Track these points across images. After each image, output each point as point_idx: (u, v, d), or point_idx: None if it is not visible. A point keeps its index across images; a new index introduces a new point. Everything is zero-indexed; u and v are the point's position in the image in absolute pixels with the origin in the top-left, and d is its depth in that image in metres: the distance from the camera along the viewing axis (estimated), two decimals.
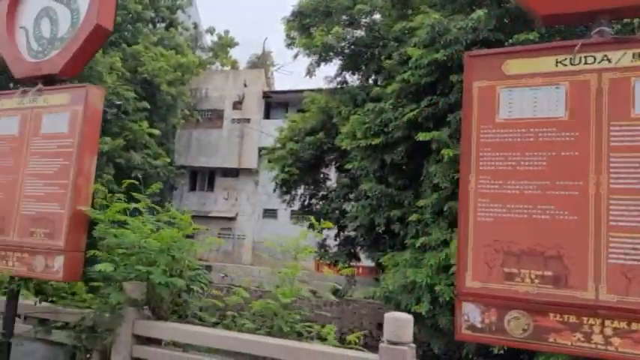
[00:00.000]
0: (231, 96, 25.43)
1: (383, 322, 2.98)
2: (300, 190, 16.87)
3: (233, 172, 25.86)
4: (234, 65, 28.74)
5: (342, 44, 14.15)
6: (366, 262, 17.82)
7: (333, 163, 17.31)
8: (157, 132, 18.33)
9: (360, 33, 15.96)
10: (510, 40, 11.53)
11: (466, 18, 11.27)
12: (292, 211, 21.82)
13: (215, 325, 4.14)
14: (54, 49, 4.23)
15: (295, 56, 16.22)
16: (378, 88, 13.77)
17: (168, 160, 19.29)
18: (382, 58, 14.70)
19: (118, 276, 3.74)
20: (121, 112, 16.61)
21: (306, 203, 16.93)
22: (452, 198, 11.62)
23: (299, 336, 3.78)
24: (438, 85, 12.85)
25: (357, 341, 3.40)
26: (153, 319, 3.87)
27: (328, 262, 17.30)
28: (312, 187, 16.98)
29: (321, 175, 17.12)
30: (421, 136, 11.97)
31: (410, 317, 2.93)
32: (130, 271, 3.76)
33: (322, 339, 3.66)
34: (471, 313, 2.61)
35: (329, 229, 18.73)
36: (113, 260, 3.82)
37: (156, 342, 3.82)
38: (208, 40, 29.90)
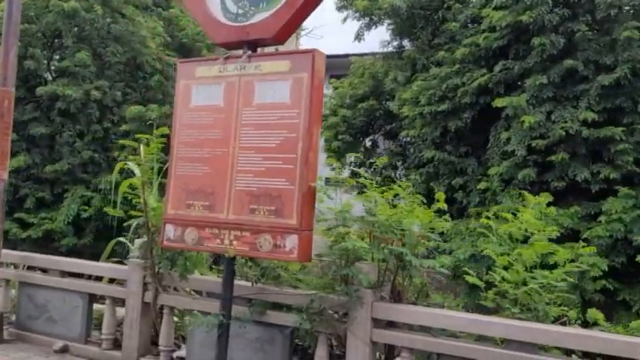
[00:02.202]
0: None
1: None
2: (351, 159, 16.60)
3: None
4: None
5: (402, 5, 13.72)
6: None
7: (382, 130, 17.02)
8: None
9: None
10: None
11: None
12: (327, 179, 21.55)
13: (441, 306, 3.96)
14: (260, 11, 3.90)
15: (344, 20, 15.74)
16: (443, 53, 13.41)
17: None
18: (443, 21, 14.31)
19: (378, 255, 3.52)
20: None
21: (355, 172, 16.69)
22: (524, 165, 11.42)
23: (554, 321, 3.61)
24: (510, 49, 12.52)
25: None
26: (389, 301, 3.67)
27: None
28: (361, 155, 16.71)
29: (371, 143, 16.83)
30: (498, 102, 11.71)
31: None
32: (373, 250, 3.55)
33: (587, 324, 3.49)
34: None
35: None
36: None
37: (395, 326, 3.63)
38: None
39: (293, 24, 3.84)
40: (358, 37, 15.87)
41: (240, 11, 3.98)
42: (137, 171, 4.77)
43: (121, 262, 5.36)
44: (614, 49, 11.06)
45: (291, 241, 3.53)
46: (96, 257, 7.64)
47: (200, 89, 4.04)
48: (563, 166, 11.41)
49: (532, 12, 10.72)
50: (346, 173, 17.27)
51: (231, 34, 3.98)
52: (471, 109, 12.80)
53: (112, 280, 4.87)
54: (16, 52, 5.05)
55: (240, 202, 3.74)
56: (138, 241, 4.50)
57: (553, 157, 11.28)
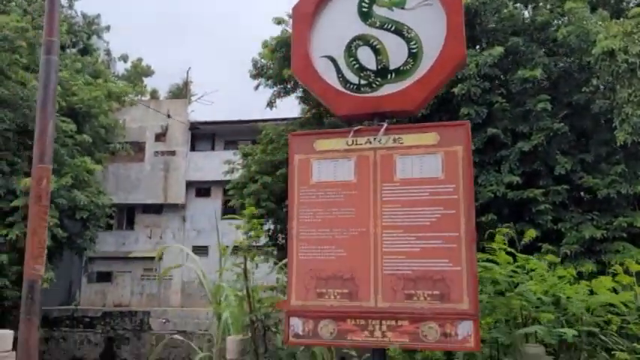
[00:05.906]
0: (152, 127, 23.50)
1: None
2: (269, 225, 16.17)
3: (156, 208, 23.77)
4: (154, 95, 26.63)
5: None
6: None
7: None
8: (99, 167, 16.19)
9: None
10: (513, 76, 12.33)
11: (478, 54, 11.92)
12: (235, 246, 20.69)
13: None
14: (388, 82, 3.68)
15: (257, 87, 15.79)
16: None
17: (112, 199, 17.12)
18: None
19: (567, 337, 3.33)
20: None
21: (273, 238, 16.26)
22: None
23: None
24: (434, 117, 13.33)
25: None
26: None
27: None
28: (279, 222, 16.36)
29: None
30: None
31: None
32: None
33: None
34: None
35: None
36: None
37: None
38: (121, 68, 27.42)
39: (431, 95, 3.69)
40: (270, 104, 16.09)
41: (363, 82, 3.72)
42: (193, 255, 4.12)
43: None
44: (527, 119, 12.26)
45: (465, 328, 3.23)
46: None
47: (323, 164, 3.64)
48: (490, 227, 12.07)
49: (463, 85, 11.59)
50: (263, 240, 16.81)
51: (358, 106, 3.68)
52: None
53: None
54: (53, 125, 4.19)
55: (393, 288, 3.36)
56: (232, 340, 3.79)
57: (482, 218, 11.95)
